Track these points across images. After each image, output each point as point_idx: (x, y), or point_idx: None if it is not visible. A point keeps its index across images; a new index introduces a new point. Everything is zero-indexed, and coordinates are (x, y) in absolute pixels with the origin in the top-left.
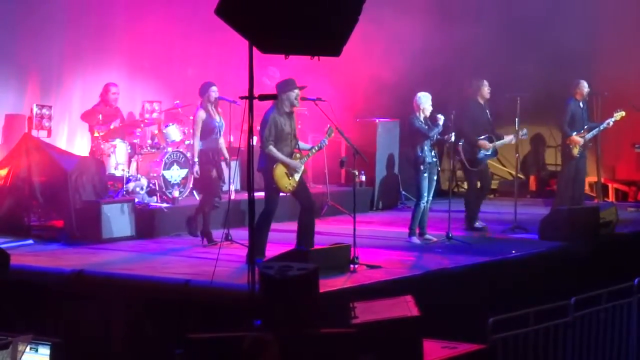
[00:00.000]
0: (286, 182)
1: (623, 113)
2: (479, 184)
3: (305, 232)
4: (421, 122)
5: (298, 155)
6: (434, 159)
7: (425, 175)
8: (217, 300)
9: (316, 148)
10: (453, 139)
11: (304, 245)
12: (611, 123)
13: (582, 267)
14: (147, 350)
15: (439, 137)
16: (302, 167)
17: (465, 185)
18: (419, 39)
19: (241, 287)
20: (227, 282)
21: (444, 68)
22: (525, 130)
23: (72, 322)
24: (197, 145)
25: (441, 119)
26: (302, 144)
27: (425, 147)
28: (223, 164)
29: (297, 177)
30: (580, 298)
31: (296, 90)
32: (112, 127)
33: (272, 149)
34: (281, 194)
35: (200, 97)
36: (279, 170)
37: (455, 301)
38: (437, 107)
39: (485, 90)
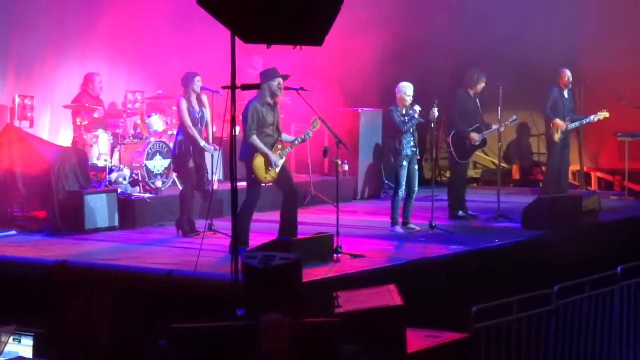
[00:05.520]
0: (265, 173)
1: (606, 114)
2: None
3: (288, 222)
4: (399, 114)
5: (280, 146)
6: (413, 149)
7: (404, 164)
8: (200, 290)
9: (299, 140)
10: (436, 113)
11: (287, 235)
12: (593, 120)
13: (565, 255)
14: (131, 341)
15: (421, 120)
16: (283, 160)
17: (449, 174)
18: (401, 27)
19: (224, 277)
20: (210, 272)
21: (426, 56)
22: (514, 117)
23: (55, 312)
24: (194, 131)
25: (416, 111)
26: (284, 136)
27: (404, 140)
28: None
29: (277, 168)
30: (563, 286)
31: (278, 79)
32: (95, 115)
33: (255, 138)
34: (262, 184)
35: (182, 86)
36: (258, 161)
37: (438, 290)
38: (419, 97)
39: (481, 85)
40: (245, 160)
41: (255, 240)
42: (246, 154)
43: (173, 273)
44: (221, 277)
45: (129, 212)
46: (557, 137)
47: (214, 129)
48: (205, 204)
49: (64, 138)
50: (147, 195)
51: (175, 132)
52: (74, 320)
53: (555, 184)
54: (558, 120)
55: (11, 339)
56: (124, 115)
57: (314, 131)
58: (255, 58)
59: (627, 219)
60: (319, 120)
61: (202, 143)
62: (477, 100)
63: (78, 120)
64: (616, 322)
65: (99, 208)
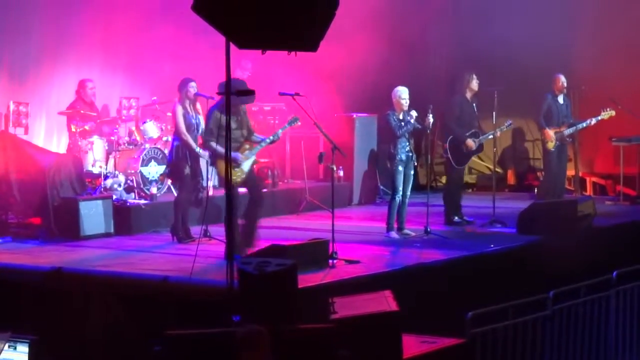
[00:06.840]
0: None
1: (613, 112)
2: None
3: (249, 228)
4: (396, 118)
5: (247, 146)
6: (409, 154)
7: (400, 169)
8: (195, 297)
9: (267, 141)
10: (431, 120)
11: (244, 243)
12: (593, 122)
13: (561, 260)
14: (126, 347)
15: (418, 126)
16: (251, 160)
17: (444, 180)
18: (396, 32)
19: (220, 283)
20: (205, 278)
21: (421, 62)
22: (509, 121)
23: (51, 319)
24: (188, 137)
25: (413, 116)
26: (256, 136)
27: (399, 145)
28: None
29: (245, 167)
30: (558, 291)
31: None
32: (87, 127)
33: (213, 143)
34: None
35: (178, 92)
36: (221, 164)
37: (434, 296)
38: (415, 102)
39: (474, 83)
40: (213, 166)
41: None
42: (211, 160)
43: (168, 279)
44: (217, 283)
45: (124, 218)
46: (551, 145)
47: None
48: (201, 211)
49: (59, 145)
50: (143, 201)
51: (170, 139)
52: (69, 327)
53: (552, 190)
54: (548, 131)
55: (6, 346)
56: (119, 122)
57: (309, 136)
58: (245, 61)
59: (623, 224)
60: (298, 118)
61: (197, 149)
62: (474, 105)
63: (73, 127)
64: (612, 327)
65: (94, 215)
